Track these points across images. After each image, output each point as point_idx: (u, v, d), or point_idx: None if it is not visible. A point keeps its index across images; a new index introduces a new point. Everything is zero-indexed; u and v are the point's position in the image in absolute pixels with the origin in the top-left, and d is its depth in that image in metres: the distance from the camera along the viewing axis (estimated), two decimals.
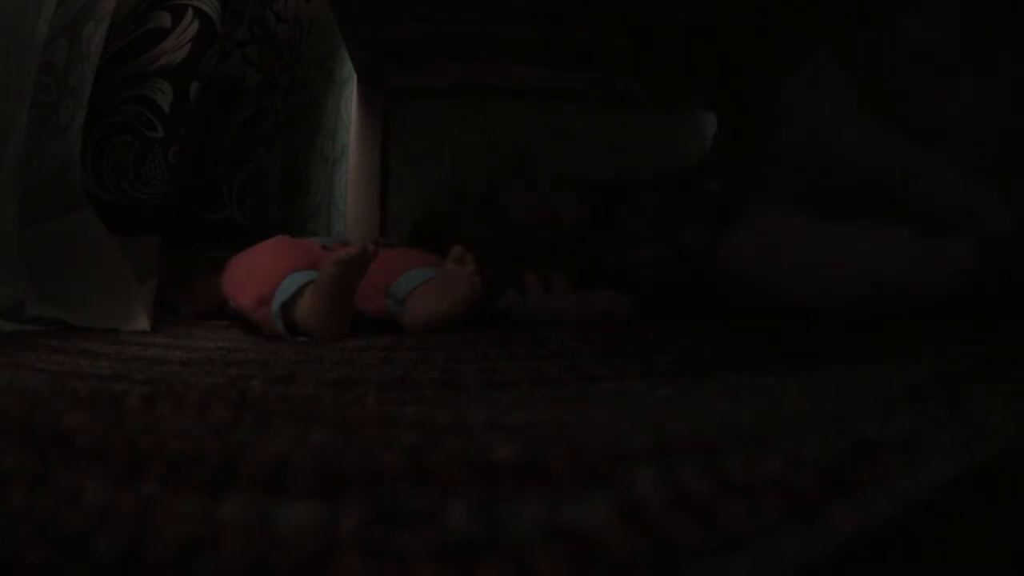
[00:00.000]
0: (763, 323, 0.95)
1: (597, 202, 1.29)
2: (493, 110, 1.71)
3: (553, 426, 0.33)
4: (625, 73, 1.60)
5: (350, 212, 1.57)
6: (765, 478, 0.25)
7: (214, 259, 0.94)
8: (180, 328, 0.91)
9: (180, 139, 0.94)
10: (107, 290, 0.87)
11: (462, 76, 1.60)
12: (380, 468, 0.25)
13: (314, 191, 1.68)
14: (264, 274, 0.84)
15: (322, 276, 0.78)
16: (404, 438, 0.29)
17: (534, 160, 1.70)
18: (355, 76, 1.56)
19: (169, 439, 0.28)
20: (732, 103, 1.60)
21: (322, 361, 0.59)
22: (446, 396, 0.43)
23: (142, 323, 0.87)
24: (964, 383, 0.47)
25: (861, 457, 0.28)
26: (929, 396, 0.42)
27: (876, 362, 0.60)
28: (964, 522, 0.22)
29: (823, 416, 0.36)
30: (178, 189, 0.97)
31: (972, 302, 0.95)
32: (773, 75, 1.28)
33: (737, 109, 1.59)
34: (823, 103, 1.13)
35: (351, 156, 1.56)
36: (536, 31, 1.42)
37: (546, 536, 0.19)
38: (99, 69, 0.86)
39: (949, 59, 1.01)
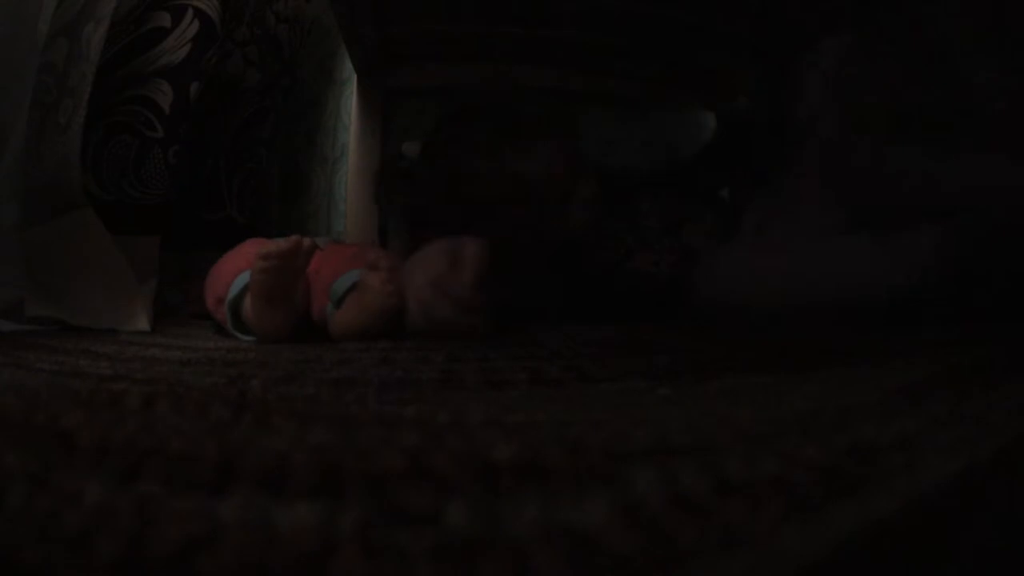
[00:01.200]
0: (759, 327, 0.95)
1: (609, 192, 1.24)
2: None
3: (553, 426, 0.33)
4: (624, 73, 1.59)
5: (350, 212, 1.57)
6: (765, 476, 0.25)
7: (213, 260, 0.94)
8: (180, 328, 0.91)
9: (180, 139, 0.94)
10: (107, 290, 0.87)
11: (462, 76, 1.60)
12: (380, 468, 0.25)
13: (314, 191, 1.68)
14: (223, 274, 0.83)
15: (253, 272, 0.74)
16: (404, 438, 0.29)
17: None
18: (355, 76, 1.56)
19: (169, 439, 0.28)
20: (733, 104, 1.60)
21: (322, 361, 0.59)
22: (446, 396, 0.43)
23: (142, 323, 0.87)
24: (964, 383, 0.47)
25: (861, 456, 0.28)
26: (928, 396, 0.42)
27: (876, 362, 0.59)
28: (965, 520, 0.22)
29: (823, 416, 0.36)
30: (178, 189, 0.97)
31: (938, 298, 0.94)
32: (777, 76, 1.28)
33: (738, 111, 1.58)
34: (830, 107, 1.12)
35: (351, 156, 1.56)
36: (536, 31, 1.41)
37: (545, 535, 0.19)
38: (99, 69, 0.86)
39: (967, 48, 1.00)
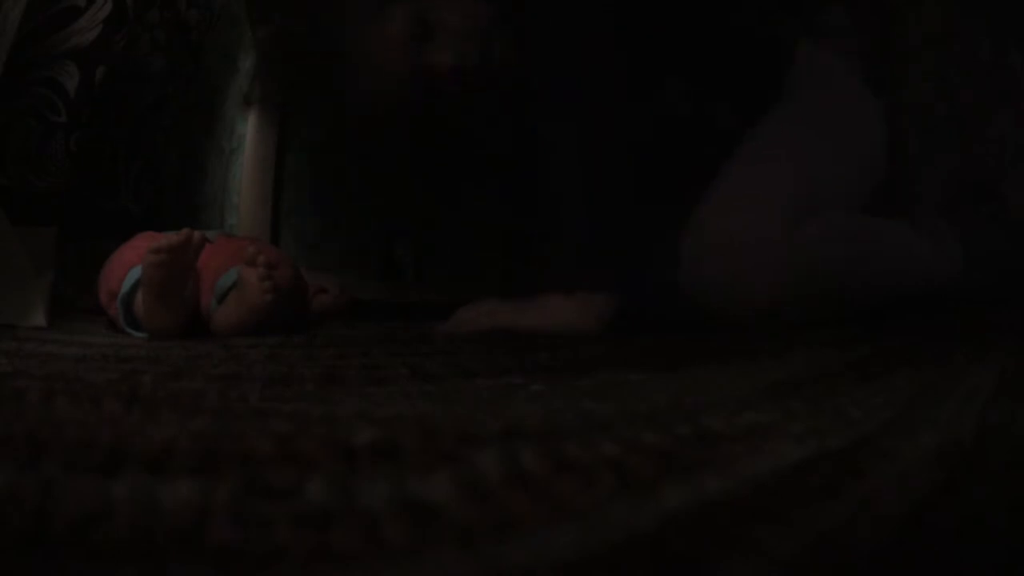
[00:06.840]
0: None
1: None
2: None
3: (416, 417, 0.35)
4: None
5: (243, 205, 1.55)
6: (601, 459, 0.27)
7: (109, 250, 0.93)
8: (76, 324, 0.90)
9: (82, 125, 0.93)
10: (3, 283, 0.86)
11: None
12: (252, 451, 0.27)
13: (209, 183, 1.66)
14: (115, 268, 0.83)
15: (144, 267, 0.73)
16: (277, 426, 0.32)
17: None
18: None
19: (66, 428, 0.30)
20: None
21: (211, 357, 0.60)
22: (326, 391, 0.45)
23: (39, 318, 0.86)
24: (833, 379, 0.50)
25: (702, 443, 0.30)
26: (792, 391, 0.44)
27: (750, 359, 0.62)
28: (800, 503, 0.24)
29: (679, 408, 0.39)
30: (77, 177, 0.96)
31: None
32: None
33: None
34: None
35: (247, 148, 1.54)
36: None
37: (394, 507, 0.22)
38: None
39: None
